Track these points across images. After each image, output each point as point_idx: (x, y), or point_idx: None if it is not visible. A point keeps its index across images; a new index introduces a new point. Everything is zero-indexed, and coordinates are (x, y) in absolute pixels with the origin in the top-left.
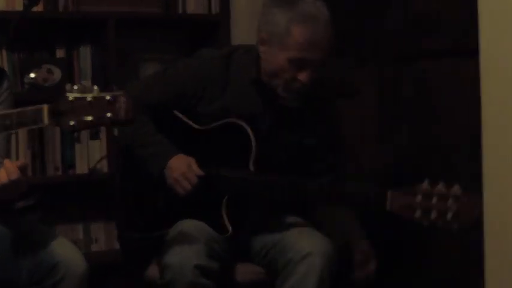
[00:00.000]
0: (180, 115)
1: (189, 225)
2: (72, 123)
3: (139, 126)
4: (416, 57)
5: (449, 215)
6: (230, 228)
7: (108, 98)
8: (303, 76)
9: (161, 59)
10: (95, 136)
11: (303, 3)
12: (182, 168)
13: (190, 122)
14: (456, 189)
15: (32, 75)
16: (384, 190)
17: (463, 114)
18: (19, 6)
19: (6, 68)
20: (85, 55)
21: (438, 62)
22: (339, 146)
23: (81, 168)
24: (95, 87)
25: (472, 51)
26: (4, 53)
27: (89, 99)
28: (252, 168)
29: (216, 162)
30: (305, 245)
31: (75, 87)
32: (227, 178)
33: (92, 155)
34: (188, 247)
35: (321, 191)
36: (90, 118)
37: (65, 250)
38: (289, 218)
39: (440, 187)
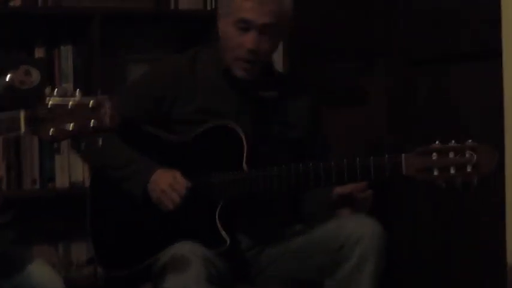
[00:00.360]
0: (156, 131)
1: (182, 247)
2: (51, 132)
3: (112, 147)
4: (431, 60)
5: (468, 167)
6: (228, 239)
7: (91, 103)
8: (247, 40)
9: (151, 59)
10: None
11: None
12: (168, 180)
13: (170, 137)
14: (471, 142)
15: (8, 77)
16: (398, 155)
17: (484, 123)
18: None
19: None
20: (67, 55)
21: (455, 65)
22: (322, 135)
23: (62, 181)
24: (77, 91)
25: (492, 53)
26: None
27: (70, 105)
28: (245, 168)
29: (205, 170)
30: (356, 228)
31: (56, 91)
32: (221, 183)
33: (73, 166)
34: (186, 272)
35: (329, 169)
36: (71, 126)
37: (43, 273)
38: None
39: (454, 143)
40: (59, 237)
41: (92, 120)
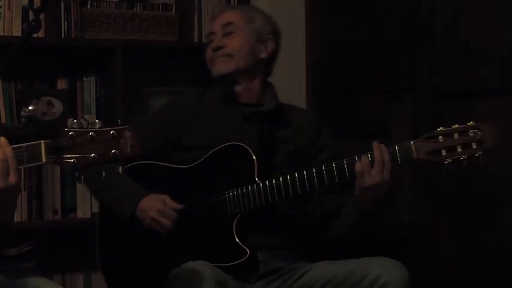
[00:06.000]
0: (164, 164)
1: (193, 266)
2: (72, 161)
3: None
4: (459, 93)
5: (474, 144)
6: (248, 249)
7: (112, 132)
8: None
9: (174, 92)
10: None
11: None
12: (157, 206)
13: (178, 166)
14: (472, 122)
15: (30, 107)
16: (407, 141)
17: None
18: (17, 32)
19: (1, 100)
20: (89, 87)
21: (485, 99)
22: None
23: (83, 211)
24: (97, 121)
25: None
26: None
27: (90, 134)
28: (258, 180)
29: (219, 189)
30: (380, 272)
31: (75, 121)
32: (237, 197)
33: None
34: None
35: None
36: (92, 155)
37: None
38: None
39: (457, 125)
40: (80, 267)
41: (113, 149)
